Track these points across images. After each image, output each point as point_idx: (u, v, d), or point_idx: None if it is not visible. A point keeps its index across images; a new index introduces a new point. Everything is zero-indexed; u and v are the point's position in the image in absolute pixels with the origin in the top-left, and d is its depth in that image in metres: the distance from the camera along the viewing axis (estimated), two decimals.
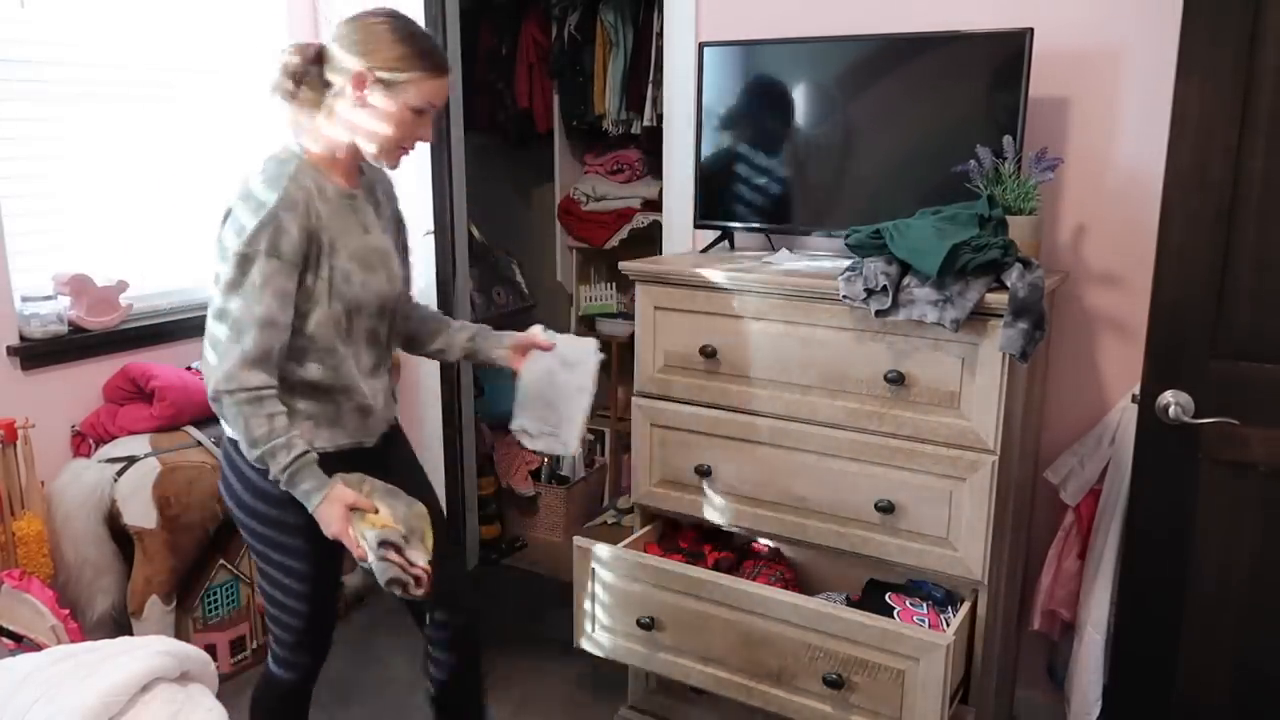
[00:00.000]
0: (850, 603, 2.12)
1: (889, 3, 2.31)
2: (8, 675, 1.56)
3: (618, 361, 3.85)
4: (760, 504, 2.12)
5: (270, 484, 1.73)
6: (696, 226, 2.48)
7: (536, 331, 2.07)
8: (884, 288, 1.84)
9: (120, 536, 2.60)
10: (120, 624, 2.61)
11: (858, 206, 2.21)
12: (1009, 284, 1.77)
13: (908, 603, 2.04)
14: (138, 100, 2.87)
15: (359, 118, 1.75)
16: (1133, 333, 2.19)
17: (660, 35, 3.22)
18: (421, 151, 2.88)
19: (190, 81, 2.99)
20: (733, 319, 2.08)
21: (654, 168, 3.63)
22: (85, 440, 2.72)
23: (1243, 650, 1.74)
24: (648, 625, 2.11)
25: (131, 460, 2.58)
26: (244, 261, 1.68)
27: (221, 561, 2.77)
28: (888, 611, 2.00)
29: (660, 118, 2.94)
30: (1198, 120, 1.62)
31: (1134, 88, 2.12)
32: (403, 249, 1.98)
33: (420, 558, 1.73)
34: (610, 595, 2.17)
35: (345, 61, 1.73)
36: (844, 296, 1.89)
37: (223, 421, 1.77)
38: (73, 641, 2.22)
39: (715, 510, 2.19)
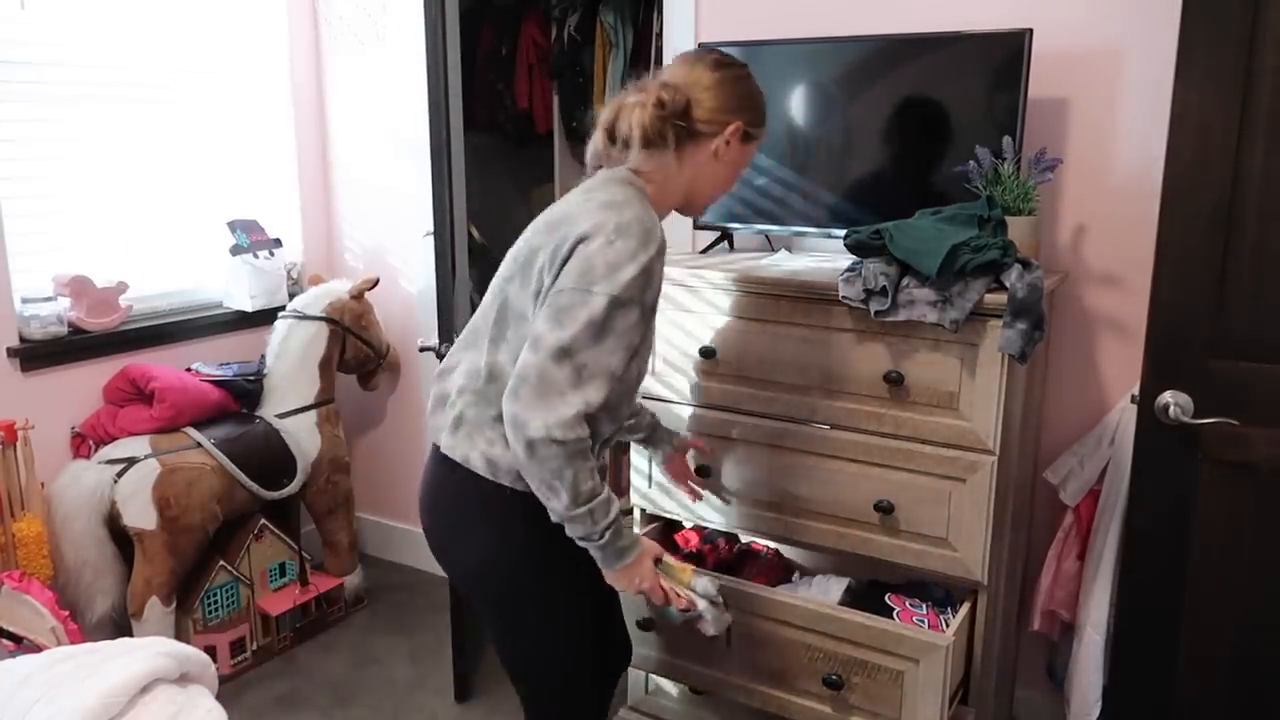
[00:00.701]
0: (852, 590, 2.12)
1: (888, 3, 2.31)
2: (8, 676, 1.56)
3: None
4: (759, 505, 2.12)
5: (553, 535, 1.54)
6: (696, 227, 2.49)
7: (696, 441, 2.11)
8: (883, 288, 1.84)
9: (120, 538, 2.60)
10: (120, 625, 2.61)
11: (857, 207, 2.21)
12: (1008, 284, 1.77)
13: (907, 603, 2.04)
14: (138, 101, 2.87)
15: (713, 169, 1.69)
16: (1132, 333, 2.19)
17: (660, 36, 3.22)
18: (421, 152, 2.89)
19: (190, 83, 3.00)
20: (732, 320, 2.08)
21: None
22: (85, 441, 2.72)
23: (1243, 651, 1.74)
24: (647, 626, 2.11)
25: (131, 461, 2.59)
26: (614, 306, 1.47)
27: (221, 563, 2.77)
28: (887, 612, 2.00)
29: None
30: (1197, 120, 1.61)
31: (1133, 88, 2.12)
32: None
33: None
34: None
35: (723, 114, 1.65)
36: (843, 297, 1.89)
37: (531, 471, 1.49)
38: (73, 643, 2.22)
39: (714, 511, 2.19)
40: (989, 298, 1.79)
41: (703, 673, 2.08)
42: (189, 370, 2.89)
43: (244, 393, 2.92)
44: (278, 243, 3.18)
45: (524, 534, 1.60)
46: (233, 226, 3.07)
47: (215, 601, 2.77)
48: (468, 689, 2.72)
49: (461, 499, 1.62)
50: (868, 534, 2.01)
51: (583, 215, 1.54)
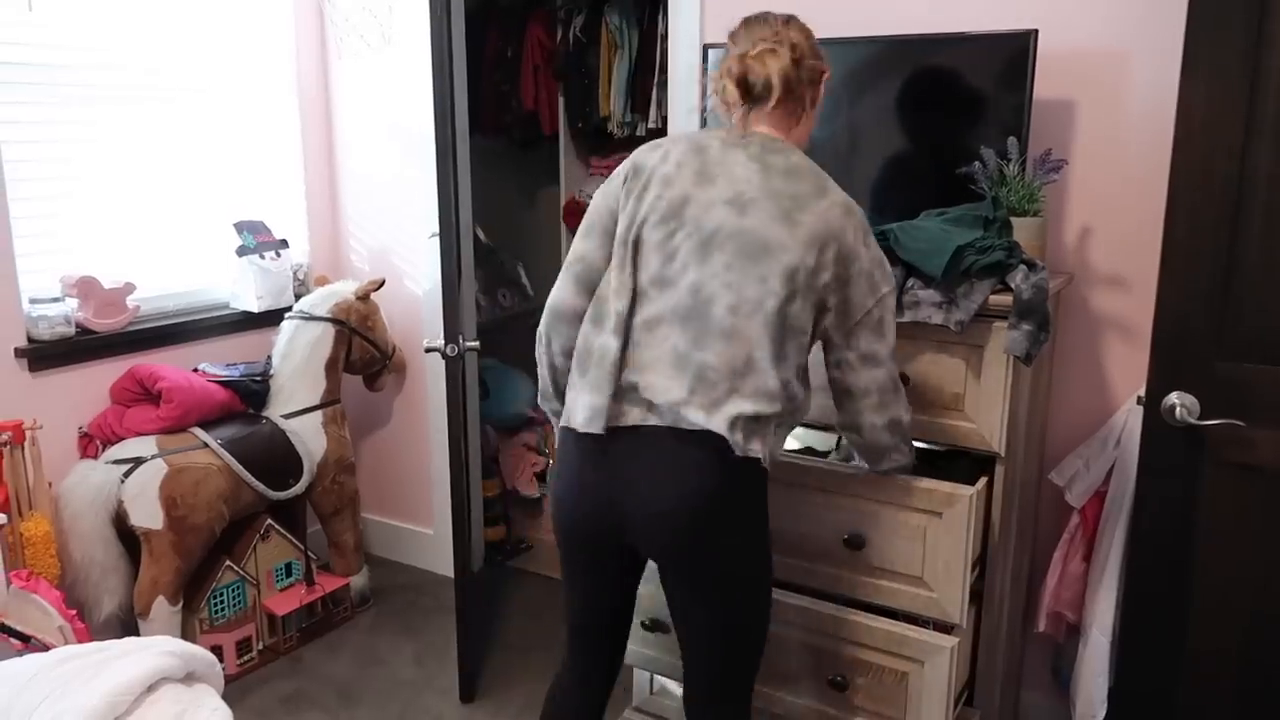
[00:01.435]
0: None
1: (893, 5, 2.31)
2: (15, 675, 1.56)
3: None
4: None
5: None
6: None
7: None
8: None
9: (127, 537, 2.61)
10: (127, 624, 2.62)
11: (862, 208, 2.21)
12: (1014, 286, 1.76)
13: None
14: (145, 103, 2.88)
15: (811, 121, 1.75)
16: (1138, 334, 2.19)
17: (665, 37, 3.22)
18: (427, 154, 2.89)
19: (197, 85, 3.01)
20: None
21: None
22: (92, 441, 2.73)
23: (1248, 653, 1.74)
24: (651, 627, 2.11)
25: (138, 461, 2.59)
26: (891, 297, 1.67)
27: (228, 563, 2.78)
28: None
29: (665, 119, 2.94)
30: (1203, 122, 1.61)
31: (1139, 89, 2.11)
32: None
33: None
34: None
35: (819, 68, 1.71)
36: None
37: (900, 455, 1.77)
38: (80, 642, 2.22)
39: None
40: (994, 299, 1.78)
41: None
42: (196, 371, 2.89)
43: (250, 393, 2.93)
44: (284, 244, 3.18)
45: (764, 508, 1.67)
46: (239, 227, 3.08)
47: (221, 601, 2.78)
48: (473, 689, 2.73)
49: (742, 485, 1.60)
50: (837, 570, 1.92)
51: (822, 213, 1.59)
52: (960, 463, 1.96)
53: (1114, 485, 2.13)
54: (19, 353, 2.57)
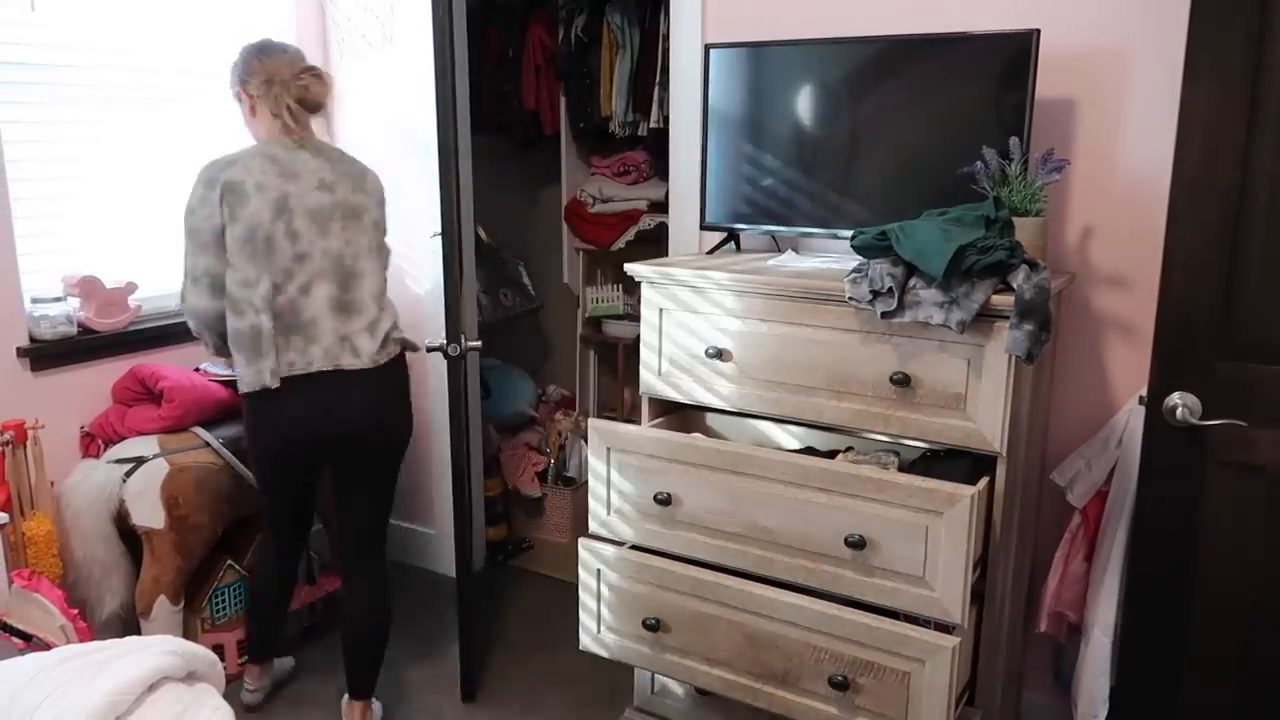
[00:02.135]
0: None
1: (895, 4, 2.31)
2: (16, 674, 1.57)
3: (624, 363, 3.86)
4: (724, 536, 2.03)
5: None
6: (703, 228, 2.49)
7: None
8: (890, 289, 1.83)
9: (129, 536, 2.61)
10: (128, 623, 2.62)
11: (863, 208, 2.21)
12: (1015, 285, 1.76)
13: None
14: (147, 102, 2.88)
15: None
16: (1140, 334, 2.19)
17: (666, 37, 3.22)
18: (429, 153, 2.89)
19: (199, 84, 3.01)
20: (739, 321, 2.08)
21: (660, 169, 3.63)
22: (94, 441, 2.73)
23: (1250, 653, 1.74)
24: (653, 626, 2.11)
25: (140, 461, 2.60)
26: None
27: (229, 562, 2.78)
28: None
29: (667, 119, 2.94)
30: (1205, 122, 1.61)
31: (1141, 89, 2.11)
32: None
33: None
34: (616, 596, 2.18)
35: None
36: (850, 298, 1.89)
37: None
38: (81, 641, 2.23)
39: (676, 543, 2.10)
40: (996, 299, 1.78)
41: (708, 673, 2.08)
42: (197, 370, 2.90)
43: None
44: None
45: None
46: None
47: (223, 600, 2.78)
48: (474, 688, 2.73)
49: (403, 382, 2.40)
50: (838, 570, 1.92)
51: (374, 179, 2.46)
52: (961, 462, 1.96)
53: (1115, 485, 2.13)
54: (21, 352, 2.57)
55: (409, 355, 2.44)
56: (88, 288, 2.70)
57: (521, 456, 3.71)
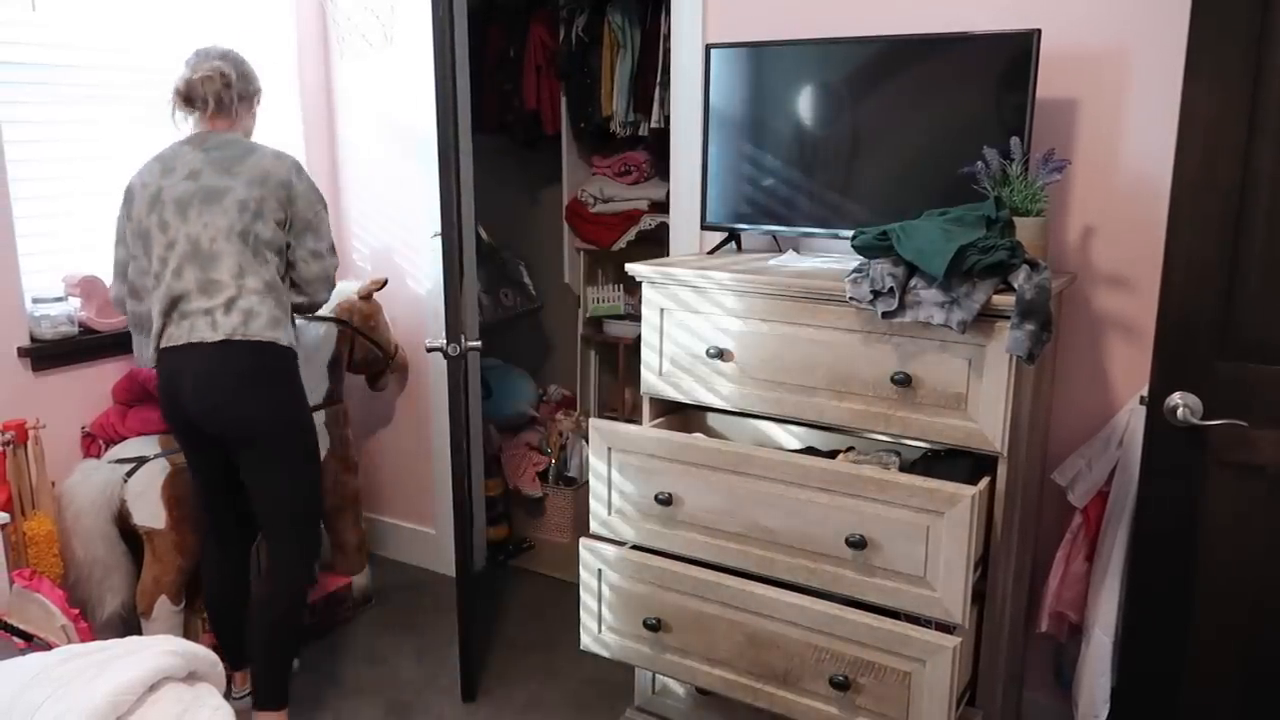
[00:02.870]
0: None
1: (896, 4, 2.31)
2: (17, 674, 1.57)
3: (624, 363, 3.86)
4: (725, 536, 2.03)
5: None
6: (703, 228, 2.49)
7: None
8: (890, 289, 1.83)
9: (130, 536, 2.61)
10: (129, 623, 2.63)
11: (864, 208, 2.21)
12: (1016, 285, 1.76)
13: None
14: (148, 102, 2.88)
15: (250, 120, 2.51)
16: (1141, 334, 2.18)
17: (667, 37, 3.22)
18: (429, 153, 2.89)
19: None
20: (740, 320, 2.08)
21: (661, 169, 3.63)
22: (95, 441, 2.73)
23: (1251, 653, 1.74)
24: (654, 626, 2.11)
25: (141, 461, 2.60)
26: (325, 210, 2.52)
27: None
28: None
29: (667, 119, 2.94)
30: (1206, 121, 1.61)
31: (1142, 89, 2.11)
32: None
33: None
34: (617, 596, 2.18)
35: (249, 89, 2.47)
36: (851, 298, 1.89)
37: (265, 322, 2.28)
38: (82, 641, 2.23)
39: (677, 543, 2.11)
40: (997, 299, 1.78)
41: (709, 673, 2.08)
42: None
43: None
44: None
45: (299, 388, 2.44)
46: None
47: None
48: (474, 688, 2.73)
49: (272, 369, 2.33)
50: (839, 569, 1.92)
51: (254, 163, 2.34)
52: (962, 463, 1.96)
53: (1116, 485, 2.13)
54: (22, 352, 2.57)
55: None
56: (89, 288, 2.70)
57: (522, 456, 3.71)
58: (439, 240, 2.84)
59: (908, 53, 2.15)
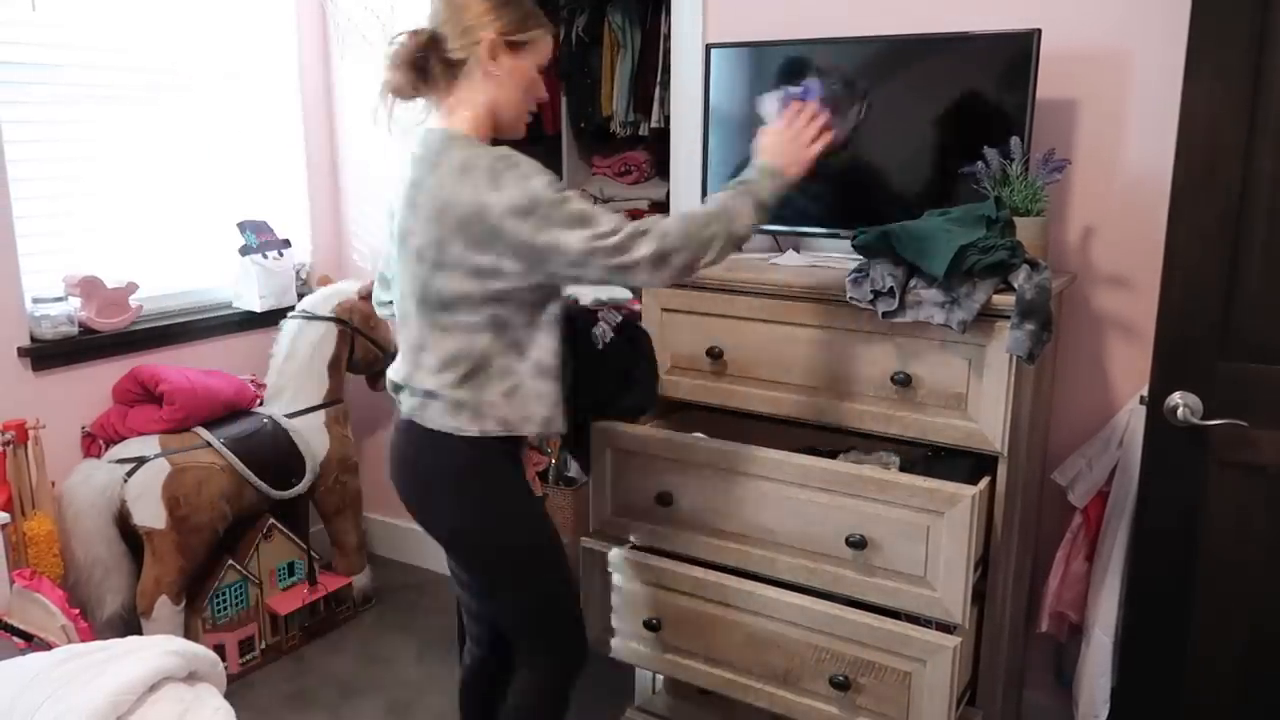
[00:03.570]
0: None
1: (897, 4, 2.31)
2: (17, 674, 1.57)
3: None
4: (724, 535, 2.03)
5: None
6: None
7: None
8: (891, 289, 1.83)
9: (130, 537, 2.62)
10: (130, 624, 2.63)
11: (865, 208, 2.21)
12: (1016, 285, 1.76)
13: None
14: (148, 103, 2.88)
15: (491, 88, 1.72)
16: (1141, 334, 2.18)
17: (668, 37, 3.22)
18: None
19: (200, 84, 3.01)
20: (740, 320, 2.08)
21: (661, 169, 3.63)
22: (95, 441, 2.73)
23: (1251, 653, 1.74)
24: (654, 626, 2.11)
25: (141, 461, 2.60)
26: (557, 190, 1.65)
27: (231, 562, 2.78)
28: None
29: (668, 119, 2.94)
30: (1206, 122, 1.61)
31: (1142, 88, 2.11)
32: None
33: None
34: (617, 596, 2.18)
35: (470, 34, 1.68)
36: (851, 298, 1.89)
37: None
38: (82, 641, 2.23)
39: (676, 543, 2.10)
40: (997, 299, 1.78)
41: (709, 673, 2.08)
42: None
43: None
44: (287, 243, 3.19)
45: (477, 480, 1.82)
46: (242, 227, 3.08)
47: (224, 600, 2.78)
48: None
49: (435, 457, 1.79)
50: (839, 569, 1.92)
51: (455, 192, 1.64)
52: (962, 462, 1.96)
53: (1116, 485, 2.13)
54: (22, 352, 2.57)
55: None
56: (89, 287, 2.71)
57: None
58: None
59: (908, 52, 2.15)
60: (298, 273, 3.27)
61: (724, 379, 2.12)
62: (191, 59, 2.97)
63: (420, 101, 1.76)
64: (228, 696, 1.69)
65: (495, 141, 1.74)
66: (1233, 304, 1.64)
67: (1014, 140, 1.99)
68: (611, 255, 1.59)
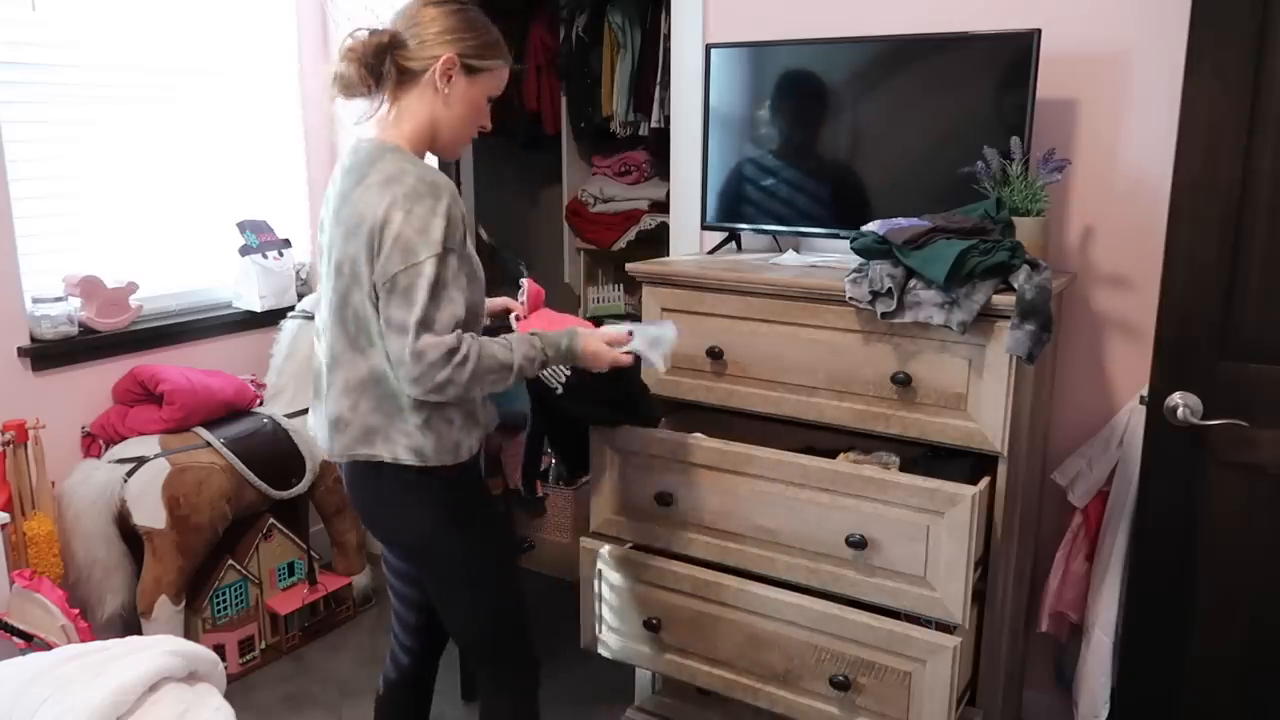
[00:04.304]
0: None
1: (897, 4, 2.31)
2: (17, 674, 1.57)
3: None
4: (724, 535, 2.03)
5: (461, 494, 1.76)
6: (704, 228, 2.49)
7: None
8: (889, 290, 1.83)
9: (130, 536, 2.62)
10: (130, 624, 2.63)
11: (865, 208, 2.21)
12: (1016, 286, 1.76)
13: None
14: (148, 102, 2.88)
15: (438, 105, 1.67)
16: (1141, 334, 2.18)
17: (668, 37, 3.23)
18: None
19: (200, 84, 3.01)
20: (740, 320, 2.08)
21: (661, 169, 3.63)
22: (95, 441, 2.73)
23: (1251, 653, 1.74)
24: (654, 626, 2.11)
25: (141, 461, 2.60)
26: (440, 262, 1.56)
27: (230, 562, 2.78)
28: None
29: (668, 119, 2.94)
30: (1206, 122, 1.61)
31: (1142, 89, 2.11)
32: None
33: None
34: (617, 596, 2.18)
35: (430, 49, 1.64)
36: (850, 298, 1.89)
37: (470, 395, 1.66)
38: (82, 641, 2.23)
39: (675, 542, 2.10)
40: (997, 299, 1.78)
41: (709, 673, 2.08)
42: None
43: None
44: (287, 243, 3.19)
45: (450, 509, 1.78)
46: (242, 227, 3.08)
47: (224, 600, 2.78)
48: (474, 688, 2.73)
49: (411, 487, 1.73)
50: (839, 569, 1.92)
51: (371, 205, 1.59)
52: (962, 462, 1.96)
53: (1116, 485, 2.13)
54: (22, 352, 2.57)
55: None
56: (89, 287, 2.71)
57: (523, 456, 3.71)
58: None
59: (908, 52, 2.15)
60: (298, 273, 3.27)
61: (724, 379, 2.12)
62: (191, 59, 2.97)
63: (359, 102, 1.70)
64: (228, 696, 1.69)
65: (443, 165, 1.69)
66: (1233, 304, 1.64)
67: (1014, 140, 1.99)
68: (412, 344, 1.55)
